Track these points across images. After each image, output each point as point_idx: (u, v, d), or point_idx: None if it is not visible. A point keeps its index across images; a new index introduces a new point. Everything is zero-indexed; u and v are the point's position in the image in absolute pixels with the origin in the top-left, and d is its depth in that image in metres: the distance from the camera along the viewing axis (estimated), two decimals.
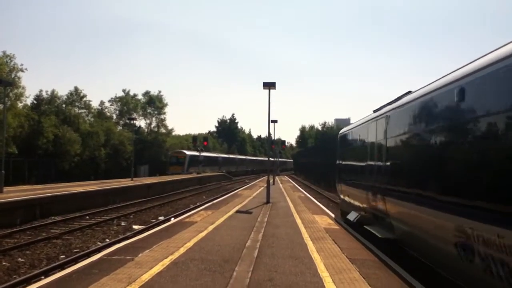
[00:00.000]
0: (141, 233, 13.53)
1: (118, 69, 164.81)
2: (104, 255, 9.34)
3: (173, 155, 62.15)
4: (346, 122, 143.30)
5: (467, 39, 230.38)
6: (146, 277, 7.43)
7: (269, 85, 23.09)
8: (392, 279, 7.76)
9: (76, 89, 55.52)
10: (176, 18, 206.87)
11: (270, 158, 34.20)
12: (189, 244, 10.58)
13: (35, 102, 49.81)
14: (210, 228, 13.49)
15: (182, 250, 9.82)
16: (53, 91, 51.43)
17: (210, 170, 65.92)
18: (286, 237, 11.98)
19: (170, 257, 9.02)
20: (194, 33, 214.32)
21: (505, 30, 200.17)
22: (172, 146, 73.52)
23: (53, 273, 8.94)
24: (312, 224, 14.95)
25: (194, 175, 54.92)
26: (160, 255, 9.26)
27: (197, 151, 60.16)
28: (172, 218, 18.80)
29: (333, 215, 18.05)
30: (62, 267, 10.30)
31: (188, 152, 61.91)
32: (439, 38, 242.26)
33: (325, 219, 16.34)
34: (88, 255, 11.54)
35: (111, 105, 69.19)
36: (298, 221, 15.68)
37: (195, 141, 63.50)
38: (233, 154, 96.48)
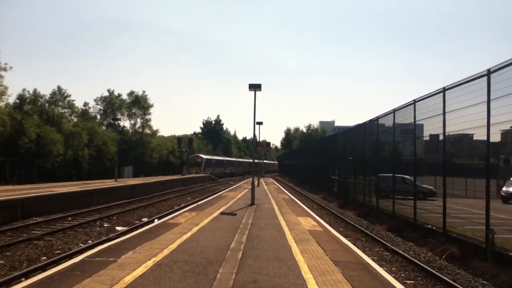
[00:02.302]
0: (125, 235, 13.43)
1: (103, 69, 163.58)
2: (87, 257, 9.24)
3: (193, 159, 72.92)
4: (331, 124, 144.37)
5: (455, 42, 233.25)
6: (129, 279, 7.37)
7: (255, 87, 23.12)
8: (374, 281, 7.82)
9: (59, 88, 54.83)
10: (162, 18, 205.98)
11: (255, 160, 34.32)
12: (173, 246, 10.54)
13: (18, 101, 49.10)
14: (194, 229, 13.45)
15: (166, 252, 9.78)
16: (35, 90, 50.63)
17: (218, 170, 79.90)
18: (270, 239, 12.01)
19: (153, 259, 8.97)
20: (179, 34, 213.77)
21: (506, 34, 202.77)
22: (157, 147, 73.07)
23: (34, 275, 8.82)
24: (296, 226, 15.02)
25: (179, 176, 55.81)
26: (144, 256, 9.21)
27: (210, 155, 79.77)
28: (156, 220, 18.70)
29: (317, 217, 18.13)
30: (43, 268, 10.18)
31: (204, 156, 75.83)
32: (430, 41, 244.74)
33: (309, 221, 16.42)
34: (70, 256, 11.42)
35: (96, 104, 68.49)
36: (283, 223, 15.73)
37: (180, 142, 63.57)
38: (234, 157, 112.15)
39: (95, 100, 68.74)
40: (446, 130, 14.85)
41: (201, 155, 75.96)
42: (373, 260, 11.53)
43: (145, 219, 20.58)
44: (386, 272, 9.25)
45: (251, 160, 66.62)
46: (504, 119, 11.51)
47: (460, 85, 13.63)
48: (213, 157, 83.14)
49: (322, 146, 47.84)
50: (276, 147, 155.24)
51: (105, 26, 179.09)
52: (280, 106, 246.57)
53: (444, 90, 14.76)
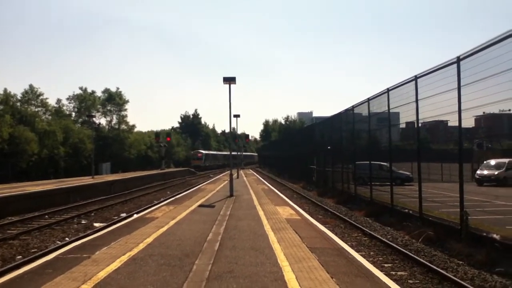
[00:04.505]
0: (100, 231, 13.23)
1: (77, 68, 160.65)
2: (60, 254, 9.06)
3: (195, 154, 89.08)
4: (309, 115, 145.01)
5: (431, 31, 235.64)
6: (102, 274, 7.25)
7: (229, 80, 22.99)
8: (350, 266, 7.85)
9: (31, 87, 53.74)
10: (135, 13, 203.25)
11: (234, 152, 34.26)
12: (149, 240, 10.43)
13: None
14: (171, 223, 13.34)
15: (141, 246, 9.66)
16: (5, 90, 49.31)
17: (216, 163, 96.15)
18: (247, 229, 11.99)
19: (128, 254, 8.85)
20: (153, 28, 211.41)
21: (490, 22, 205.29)
22: (135, 143, 72.40)
23: (6, 275, 8.61)
24: (274, 215, 15.04)
25: (158, 171, 55.78)
26: (118, 251, 9.07)
27: (207, 150, 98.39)
28: (135, 215, 18.52)
29: (295, 206, 18.19)
30: (18, 267, 9.95)
31: (204, 151, 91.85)
32: (409, 32, 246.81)
33: (287, 210, 16.46)
34: (46, 254, 11.20)
35: (69, 102, 67.35)
36: (261, 213, 15.74)
37: (158, 137, 63.16)
38: (226, 151, 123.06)
39: (67, 98, 67.64)
40: (422, 117, 15.01)
41: (201, 151, 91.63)
42: (352, 245, 11.67)
43: (123, 215, 20.36)
44: (363, 256, 9.35)
45: (238, 153, 68.19)
46: (475, 105, 11.63)
47: (432, 72, 13.78)
48: (210, 152, 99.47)
49: (300, 137, 48.02)
50: (255, 139, 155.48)
51: (78, 23, 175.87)
52: (258, 99, 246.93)
53: (416, 78, 14.92)
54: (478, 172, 26.27)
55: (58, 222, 18.32)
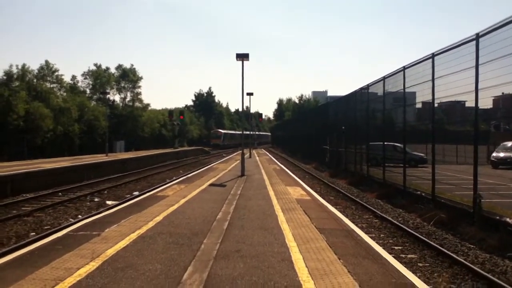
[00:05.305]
0: (111, 209, 13.32)
1: (92, 45, 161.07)
2: (70, 231, 9.12)
3: (214, 133, 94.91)
4: (324, 94, 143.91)
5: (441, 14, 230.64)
6: (110, 252, 7.28)
7: (242, 56, 22.68)
8: (358, 248, 7.79)
9: (47, 63, 53.86)
10: None
11: (246, 132, 34.20)
12: (159, 218, 10.46)
13: (4, 77, 48.18)
14: (182, 201, 13.38)
15: (150, 224, 9.69)
16: (23, 65, 49.49)
17: (233, 142, 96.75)
18: (257, 209, 11.97)
19: (137, 232, 8.89)
20: (167, 5, 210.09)
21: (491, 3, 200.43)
22: (148, 121, 72.49)
23: (17, 251, 8.73)
24: (285, 195, 15.00)
25: (171, 149, 55.85)
26: (128, 229, 9.12)
27: (226, 130, 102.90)
28: (147, 193, 18.63)
29: (306, 186, 18.12)
30: (30, 244, 10.08)
31: (223, 131, 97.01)
32: (421, 12, 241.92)
33: (298, 190, 16.40)
34: (57, 231, 11.32)
35: (84, 78, 67.44)
36: (271, 193, 15.70)
37: (171, 115, 63.22)
38: (240, 131, 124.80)
39: (82, 74, 67.75)
40: (439, 97, 14.69)
41: (220, 130, 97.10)
42: (362, 227, 11.62)
43: (136, 193, 20.49)
44: (373, 238, 9.29)
45: (251, 132, 68.18)
46: (494, 83, 11.32)
47: (449, 50, 13.43)
48: (228, 131, 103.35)
49: (313, 116, 47.66)
50: (269, 118, 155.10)
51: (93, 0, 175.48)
52: (273, 77, 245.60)
53: (433, 56, 14.57)
54: (494, 154, 25.81)
55: (71, 199, 18.50)
